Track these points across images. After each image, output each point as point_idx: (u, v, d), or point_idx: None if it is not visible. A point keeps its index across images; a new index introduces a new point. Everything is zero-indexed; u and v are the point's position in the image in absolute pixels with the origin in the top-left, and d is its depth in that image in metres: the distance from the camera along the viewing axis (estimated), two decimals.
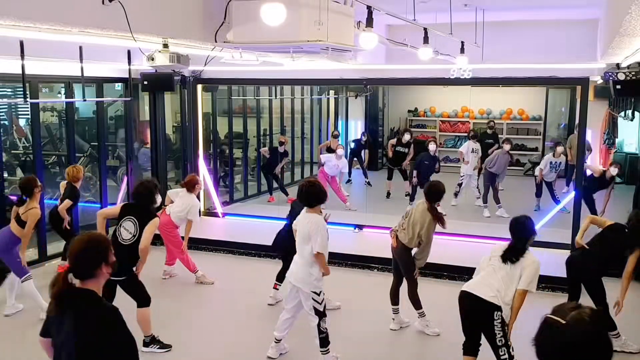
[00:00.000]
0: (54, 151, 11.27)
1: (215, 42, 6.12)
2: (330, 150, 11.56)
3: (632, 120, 9.40)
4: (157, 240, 7.34)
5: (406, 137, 11.47)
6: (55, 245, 8.13)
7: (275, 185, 11.88)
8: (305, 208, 5.19)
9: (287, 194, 11.48)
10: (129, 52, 8.33)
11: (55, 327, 2.76)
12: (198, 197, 7.77)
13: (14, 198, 6.46)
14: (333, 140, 12.03)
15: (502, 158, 10.52)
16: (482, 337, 4.61)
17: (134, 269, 5.45)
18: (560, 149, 10.58)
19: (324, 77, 9.69)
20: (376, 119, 15.48)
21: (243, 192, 12.06)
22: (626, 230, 5.56)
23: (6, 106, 11.06)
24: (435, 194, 5.81)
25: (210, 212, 10.48)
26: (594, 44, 9.58)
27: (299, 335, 5.58)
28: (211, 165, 10.98)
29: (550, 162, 10.51)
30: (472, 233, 8.80)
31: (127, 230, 5.37)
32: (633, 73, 6.87)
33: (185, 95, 10.29)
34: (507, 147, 10.56)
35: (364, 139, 13.13)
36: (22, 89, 7.40)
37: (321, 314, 5.09)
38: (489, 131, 12.43)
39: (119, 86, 10.30)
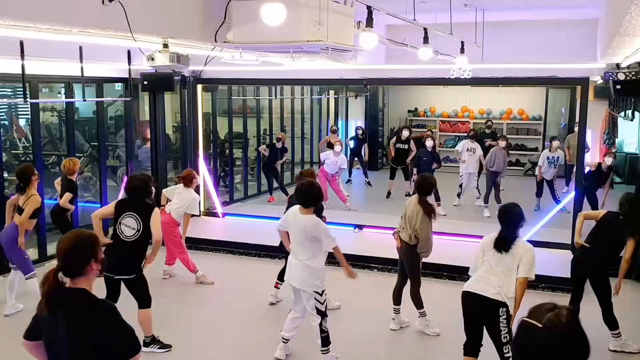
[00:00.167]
0: (54, 151, 11.27)
1: (215, 42, 6.11)
2: (330, 145, 11.56)
3: (632, 120, 9.38)
4: None
5: (405, 133, 11.51)
6: (55, 245, 8.11)
7: (275, 185, 11.88)
8: (298, 207, 5.13)
9: (287, 194, 11.44)
10: (129, 52, 8.32)
11: (48, 327, 2.71)
12: (197, 191, 7.73)
13: (14, 198, 6.45)
14: (332, 135, 12.02)
15: (499, 154, 10.54)
16: (482, 337, 4.61)
17: (142, 265, 5.43)
18: (555, 143, 10.59)
19: (324, 77, 9.70)
20: (376, 119, 15.50)
21: (243, 192, 12.07)
22: (620, 217, 5.58)
23: (6, 106, 11.07)
24: (425, 187, 5.87)
25: (210, 212, 10.48)
26: (594, 44, 9.57)
27: (299, 335, 5.56)
28: (211, 165, 10.98)
29: (547, 157, 10.53)
30: (472, 233, 8.76)
31: (128, 226, 5.33)
32: (633, 73, 6.88)
33: (185, 95, 10.29)
34: (502, 143, 10.61)
35: (359, 132, 13.07)
36: (22, 89, 7.40)
37: (323, 314, 5.09)
38: (487, 131, 12.45)
39: (119, 86, 10.31)
